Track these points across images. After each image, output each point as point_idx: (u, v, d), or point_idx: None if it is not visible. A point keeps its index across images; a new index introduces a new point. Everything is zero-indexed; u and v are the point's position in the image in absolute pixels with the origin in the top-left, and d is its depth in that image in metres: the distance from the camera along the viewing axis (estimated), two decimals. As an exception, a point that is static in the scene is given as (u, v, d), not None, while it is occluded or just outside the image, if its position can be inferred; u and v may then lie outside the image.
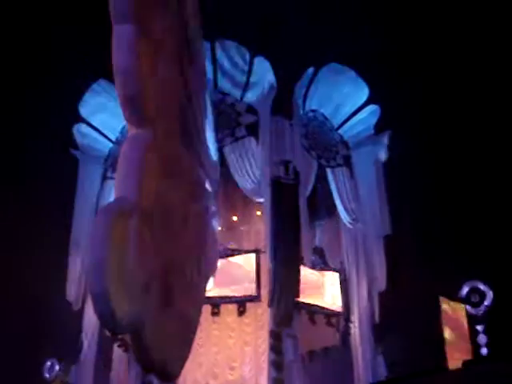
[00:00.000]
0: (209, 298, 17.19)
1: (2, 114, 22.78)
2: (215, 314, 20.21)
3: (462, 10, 23.00)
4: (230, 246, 21.37)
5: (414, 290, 21.37)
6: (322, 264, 21.76)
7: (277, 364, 17.67)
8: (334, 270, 21.83)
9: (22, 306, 21.56)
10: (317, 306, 20.72)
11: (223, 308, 20.65)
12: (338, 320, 21.43)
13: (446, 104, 24.08)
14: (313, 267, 20.41)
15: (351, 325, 21.07)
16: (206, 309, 18.24)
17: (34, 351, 21.36)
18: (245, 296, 20.44)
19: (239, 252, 21.16)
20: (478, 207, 23.63)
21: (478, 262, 22.16)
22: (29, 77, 22.79)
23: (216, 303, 19.99)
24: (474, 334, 21.10)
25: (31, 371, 21.35)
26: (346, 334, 21.18)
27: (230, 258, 20.68)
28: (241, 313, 20.47)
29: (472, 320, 21.38)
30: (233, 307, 20.66)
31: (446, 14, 23.32)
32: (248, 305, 20.53)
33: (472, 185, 23.60)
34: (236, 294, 20.47)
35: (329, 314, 21.09)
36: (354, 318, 21.07)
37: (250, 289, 20.34)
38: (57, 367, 21.06)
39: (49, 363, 21.40)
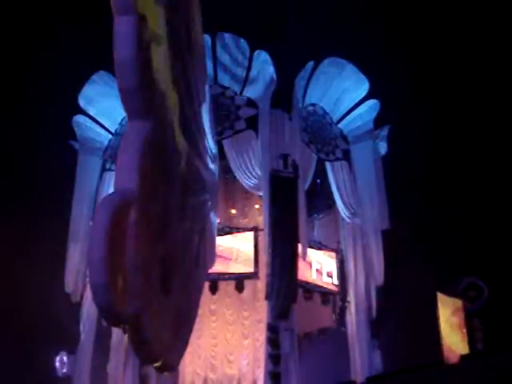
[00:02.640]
0: (207, 274, 17.36)
1: (1, 106, 22.75)
2: (213, 291, 20.33)
3: (463, 3, 22.97)
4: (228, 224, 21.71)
5: (411, 285, 21.41)
6: (318, 244, 21.93)
7: (274, 357, 17.71)
8: (331, 249, 21.98)
9: (20, 297, 21.57)
10: (313, 283, 20.88)
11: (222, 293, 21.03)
12: (334, 299, 21.61)
13: (445, 98, 24.09)
14: (309, 246, 20.50)
15: (347, 304, 21.21)
16: (205, 295, 18.33)
17: (33, 343, 21.39)
18: (243, 273, 20.60)
19: (237, 230, 21.32)
20: (476, 203, 23.67)
21: (475, 257, 22.22)
22: (28, 68, 22.76)
23: (214, 280, 20.12)
24: (471, 328, 21.21)
25: (30, 362, 21.41)
26: (341, 316, 21.34)
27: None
28: (239, 289, 20.63)
29: (469, 315, 21.49)
30: (231, 287, 20.90)
31: (445, 6, 23.29)
32: (246, 282, 20.82)
33: (471, 180, 23.64)
34: (234, 271, 20.69)
35: (325, 293, 21.26)
36: (350, 297, 21.22)
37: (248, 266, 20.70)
38: (56, 358, 21.15)
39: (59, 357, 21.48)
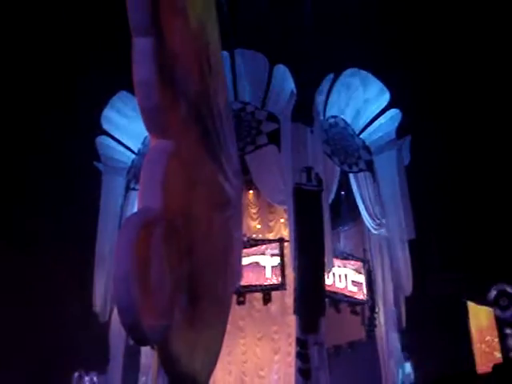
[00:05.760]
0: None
1: (24, 128, 23.03)
2: (240, 303, 20.29)
3: (484, 11, 22.83)
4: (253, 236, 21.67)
5: (440, 295, 21.23)
6: (345, 254, 21.85)
7: (304, 372, 17.58)
8: (358, 259, 21.89)
9: (49, 318, 21.73)
10: (341, 294, 20.79)
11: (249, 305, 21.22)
12: (363, 310, 21.48)
13: (468, 106, 23.93)
14: (335, 256, 20.42)
15: (376, 315, 21.07)
16: (233, 312, 18.26)
17: (62, 363, 21.51)
18: (269, 284, 20.54)
19: (263, 241, 21.28)
20: (503, 209, 23.43)
21: (506, 264, 21.96)
22: (50, 89, 23.01)
23: (241, 292, 20.02)
24: (503, 337, 20.92)
25: (60, 383, 21.54)
26: (371, 327, 21.20)
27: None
28: (266, 301, 20.57)
29: (501, 323, 21.20)
30: (259, 301, 20.90)
31: (467, 14, 23.18)
32: (274, 296, 20.77)
33: (497, 187, 23.42)
34: (261, 283, 20.62)
35: (353, 303, 21.15)
36: (379, 309, 21.09)
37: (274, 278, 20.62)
38: (86, 378, 21.24)
39: (77, 374, 21.59)
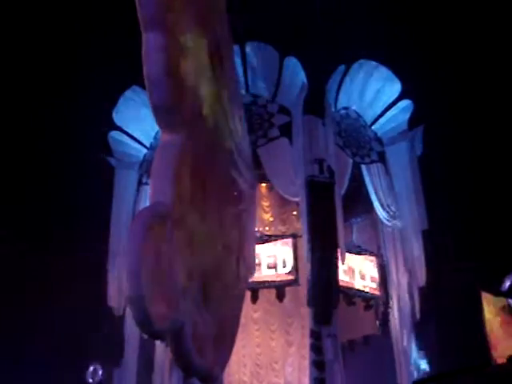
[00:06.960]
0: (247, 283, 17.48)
1: (37, 123, 23.12)
2: (254, 299, 20.32)
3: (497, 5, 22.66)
4: (266, 232, 21.65)
5: (454, 286, 21.16)
6: (357, 248, 21.83)
7: (318, 364, 17.62)
8: (371, 253, 21.86)
9: (64, 312, 21.86)
10: (355, 289, 20.78)
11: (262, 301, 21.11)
12: (377, 304, 21.45)
13: (480, 96, 23.78)
14: (349, 251, 20.40)
15: (389, 310, 21.05)
16: (246, 304, 18.27)
17: (77, 357, 21.64)
18: (283, 281, 20.55)
19: (276, 237, 21.28)
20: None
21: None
22: (62, 85, 23.07)
23: (254, 288, 20.04)
24: (517, 327, 20.87)
25: (74, 376, 21.68)
26: (385, 321, 21.18)
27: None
28: (280, 298, 20.56)
29: (515, 314, 21.16)
30: (272, 294, 20.87)
31: (478, 4, 23.02)
32: (287, 289, 20.72)
33: (510, 176, 23.28)
34: (274, 279, 20.60)
35: (367, 298, 21.14)
36: (393, 301, 21.06)
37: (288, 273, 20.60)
38: (101, 372, 21.37)
39: (92, 368, 21.72)
